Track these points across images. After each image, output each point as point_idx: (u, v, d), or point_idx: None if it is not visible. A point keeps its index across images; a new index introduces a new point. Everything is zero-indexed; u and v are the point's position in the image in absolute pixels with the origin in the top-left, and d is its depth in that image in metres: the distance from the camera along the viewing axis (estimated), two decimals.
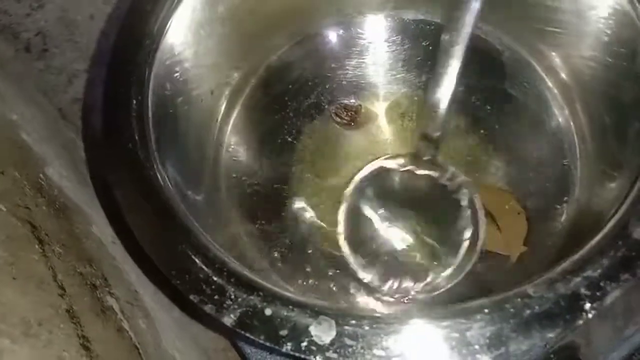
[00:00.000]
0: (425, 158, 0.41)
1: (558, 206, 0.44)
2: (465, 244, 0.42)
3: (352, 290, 0.43)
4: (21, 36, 0.57)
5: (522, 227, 0.44)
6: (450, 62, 0.36)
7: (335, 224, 0.45)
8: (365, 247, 0.43)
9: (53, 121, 0.55)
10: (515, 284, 0.30)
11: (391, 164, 0.43)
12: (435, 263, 0.43)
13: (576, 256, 0.30)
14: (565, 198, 0.44)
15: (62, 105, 0.56)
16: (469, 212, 0.42)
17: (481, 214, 0.42)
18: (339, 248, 0.44)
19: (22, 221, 0.35)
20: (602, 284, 0.29)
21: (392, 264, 0.43)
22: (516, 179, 0.46)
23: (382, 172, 0.43)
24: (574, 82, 0.45)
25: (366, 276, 0.42)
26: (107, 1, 0.57)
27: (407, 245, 0.44)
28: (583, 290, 0.29)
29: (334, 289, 0.43)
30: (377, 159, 0.45)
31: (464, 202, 0.42)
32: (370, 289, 0.42)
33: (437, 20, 0.47)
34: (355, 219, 0.43)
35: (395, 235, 0.44)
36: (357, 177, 0.44)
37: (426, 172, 0.42)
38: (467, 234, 0.42)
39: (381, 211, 0.44)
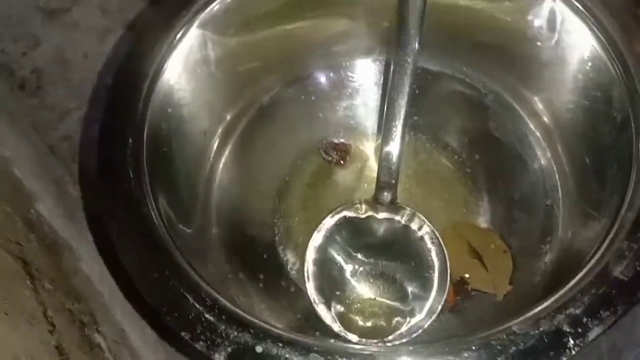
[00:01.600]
0: (385, 203, 0.43)
1: (542, 246, 0.44)
2: (436, 279, 0.42)
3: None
4: (17, 74, 0.58)
5: (508, 266, 0.45)
6: (398, 107, 0.40)
7: None
8: (336, 298, 0.43)
9: (43, 157, 0.55)
10: (500, 321, 0.31)
11: (352, 212, 0.44)
12: (409, 304, 0.43)
13: (559, 294, 0.31)
14: (549, 238, 0.44)
15: (53, 142, 0.56)
16: (434, 248, 0.43)
17: (445, 248, 0.43)
18: None
19: (14, 257, 0.35)
20: (584, 320, 0.30)
21: (366, 312, 0.43)
22: (501, 218, 0.47)
23: (345, 222, 0.44)
24: (555, 124, 0.46)
25: (340, 328, 0.42)
26: (102, 41, 0.58)
27: (379, 291, 0.44)
28: (566, 327, 0.30)
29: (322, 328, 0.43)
30: (342, 206, 0.45)
31: (428, 239, 0.43)
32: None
33: (423, 65, 0.49)
34: (324, 271, 0.43)
35: (366, 282, 0.44)
36: (322, 228, 0.44)
37: (387, 215, 0.43)
38: (436, 269, 0.42)
39: (349, 259, 0.44)
